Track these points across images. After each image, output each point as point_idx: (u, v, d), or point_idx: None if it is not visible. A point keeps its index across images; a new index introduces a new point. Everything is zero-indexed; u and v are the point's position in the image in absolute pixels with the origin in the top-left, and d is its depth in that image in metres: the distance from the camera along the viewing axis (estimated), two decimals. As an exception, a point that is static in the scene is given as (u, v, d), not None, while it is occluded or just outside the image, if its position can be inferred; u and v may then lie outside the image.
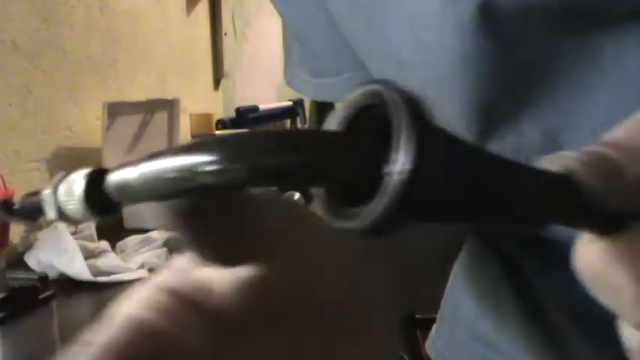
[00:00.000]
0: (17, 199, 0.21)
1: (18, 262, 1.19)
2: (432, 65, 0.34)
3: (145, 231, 1.31)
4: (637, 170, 0.20)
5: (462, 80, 0.33)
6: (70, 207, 0.19)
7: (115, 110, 1.53)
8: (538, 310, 0.50)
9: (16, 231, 1.25)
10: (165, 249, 1.22)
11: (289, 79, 0.52)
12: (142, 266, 1.16)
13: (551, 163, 0.19)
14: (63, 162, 1.46)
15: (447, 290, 0.61)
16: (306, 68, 0.49)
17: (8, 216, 0.22)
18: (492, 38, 0.32)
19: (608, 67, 0.32)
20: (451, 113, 0.35)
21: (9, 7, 1.31)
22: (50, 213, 0.20)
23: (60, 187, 0.19)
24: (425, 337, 0.65)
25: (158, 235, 1.26)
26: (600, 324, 0.42)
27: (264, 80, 2.64)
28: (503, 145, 0.35)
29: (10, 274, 0.62)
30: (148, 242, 1.25)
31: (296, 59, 0.50)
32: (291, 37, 0.51)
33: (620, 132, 0.23)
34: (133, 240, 1.25)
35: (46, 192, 0.20)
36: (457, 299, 0.59)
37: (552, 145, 0.33)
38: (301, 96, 2.68)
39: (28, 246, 1.22)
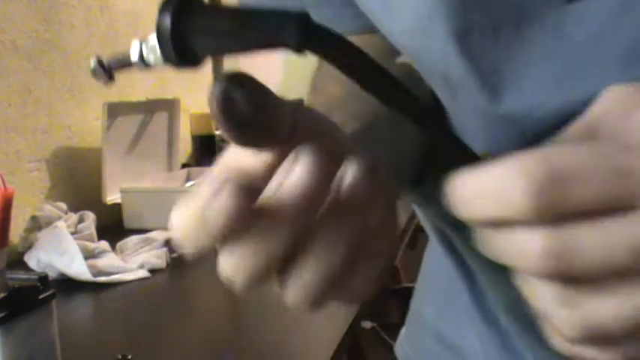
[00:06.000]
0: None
1: (18, 262, 1.19)
2: None
3: (145, 231, 1.31)
4: None
5: (440, 12, 0.33)
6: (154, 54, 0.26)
7: (115, 110, 1.52)
8: (488, 310, 0.50)
9: (16, 231, 1.25)
10: (165, 249, 1.22)
11: None
12: (141, 266, 1.16)
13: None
14: (63, 162, 1.46)
15: (413, 295, 0.61)
16: None
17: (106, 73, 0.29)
18: None
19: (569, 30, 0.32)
20: (435, 48, 0.35)
21: (9, 7, 1.31)
22: (134, 56, 0.27)
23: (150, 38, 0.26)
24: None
25: (158, 235, 1.26)
26: (533, 322, 0.42)
27: (264, 80, 2.64)
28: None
29: (10, 274, 0.61)
30: (148, 242, 1.25)
31: None
32: None
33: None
34: (132, 240, 1.25)
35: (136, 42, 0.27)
36: (422, 303, 0.59)
37: (495, 84, 0.34)
38: (301, 96, 2.68)
39: (28, 246, 1.22)
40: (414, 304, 0.61)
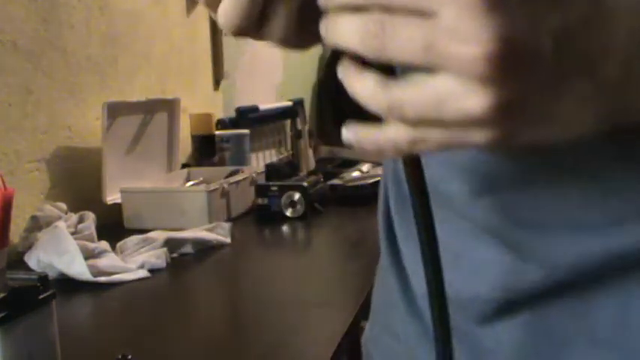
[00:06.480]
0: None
1: (18, 262, 1.19)
2: None
3: (145, 231, 1.31)
4: None
5: None
6: None
7: (115, 110, 1.53)
8: (412, 301, 0.51)
9: (16, 231, 1.26)
10: (165, 249, 1.22)
11: None
12: (142, 266, 1.16)
13: None
14: (63, 162, 1.46)
15: (373, 289, 0.63)
16: None
17: None
18: None
19: None
20: None
21: (9, 7, 1.31)
22: None
23: None
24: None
25: (158, 235, 1.26)
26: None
27: (264, 80, 2.64)
28: None
29: (10, 274, 0.62)
30: (148, 242, 1.25)
31: None
32: None
33: None
34: (133, 240, 1.25)
35: None
36: (375, 294, 0.61)
37: None
38: (301, 96, 2.68)
39: (28, 246, 1.22)
40: (372, 297, 0.63)
